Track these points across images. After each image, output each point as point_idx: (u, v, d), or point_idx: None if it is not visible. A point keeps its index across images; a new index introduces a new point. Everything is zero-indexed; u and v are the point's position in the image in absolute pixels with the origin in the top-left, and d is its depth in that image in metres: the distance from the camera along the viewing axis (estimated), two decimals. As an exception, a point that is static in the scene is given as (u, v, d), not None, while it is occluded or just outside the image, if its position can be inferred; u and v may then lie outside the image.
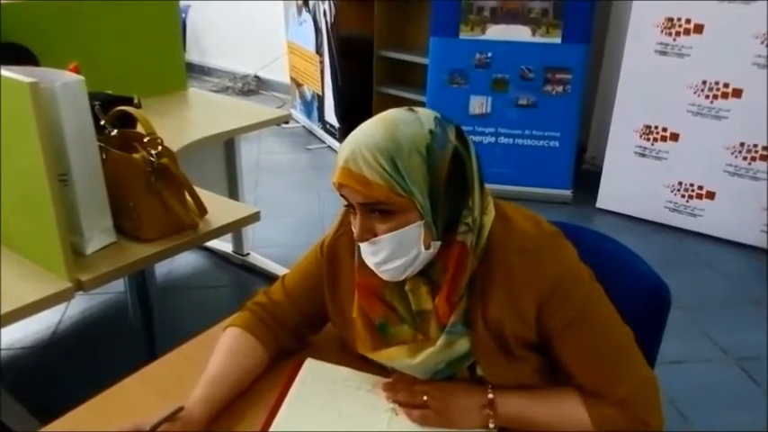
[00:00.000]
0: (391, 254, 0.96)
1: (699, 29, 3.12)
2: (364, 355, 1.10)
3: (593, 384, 0.98)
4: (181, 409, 0.96)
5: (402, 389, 1.04)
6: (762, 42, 2.99)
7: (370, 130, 0.94)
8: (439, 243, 0.97)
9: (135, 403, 1.06)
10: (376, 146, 0.91)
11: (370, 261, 0.99)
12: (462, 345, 0.99)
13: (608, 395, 0.97)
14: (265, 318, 1.14)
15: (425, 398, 1.00)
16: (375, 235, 0.96)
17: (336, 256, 1.12)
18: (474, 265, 0.97)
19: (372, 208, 0.94)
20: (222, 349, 1.09)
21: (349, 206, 0.98)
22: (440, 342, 0.98)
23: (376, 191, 0.91)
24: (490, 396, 0.99)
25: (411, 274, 0.99)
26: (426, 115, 0.96)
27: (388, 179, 0.90)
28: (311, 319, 1.17)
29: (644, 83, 3.34)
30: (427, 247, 0.96)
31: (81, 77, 1.43)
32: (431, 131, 0.93)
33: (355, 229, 0.97)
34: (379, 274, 1.00)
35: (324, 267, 1.12)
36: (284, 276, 1.19)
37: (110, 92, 1.78)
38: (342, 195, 0.97)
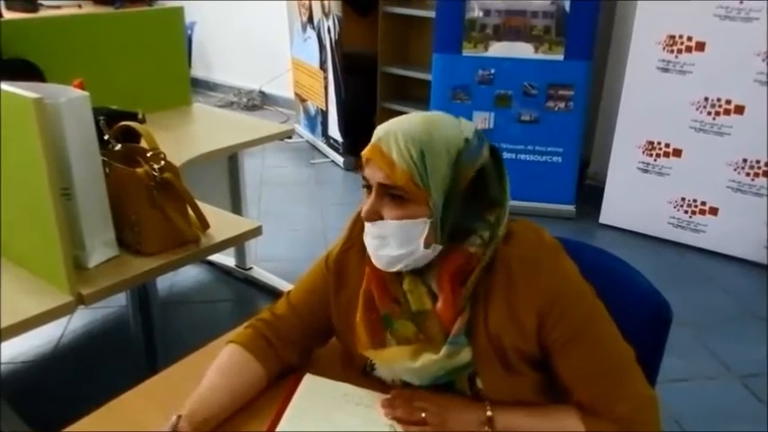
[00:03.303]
0: (391, 241, 0.97)
1: (700, 46, 3.14)
2: (364, 373, 1.11)
3: (591, 401, 0.98)
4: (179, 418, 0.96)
5: (400, 405, 1.03)
6: (763, 60, 3.00)
7: (411, 119, 0.98)
8: (440, 247, 0.98)
9: (135, 417, 1.05)
10: (410, 134, 0.94)
11: (370, 244, 1.01)
12: (465, 356, 0.99)
13: (606, 413, 0.96)
14: (268, 334, 1.13)
15: (424, 414, 1.00)
16: (381, 218, 0.97)
17: (344, 268, 1.12)
18: (480, 275, 0.97)
19: (388, 191, 0.96)
20: (215, 366, 1.09)
21: (366, 187, 1.00)
22: (442, 352, 0.98)
23: (397, 175, 0.93)
24: (489, 413, 0.99)
25: (404, 269, 1.00)
26: (468, 125, 0.99)
27: (411, 167, 0.93)
28: (316, 332, 1.16)
29: (646, 99, 3.35)
30: (426, 247, 0.96)
31: (85, 93, 1.45)
32: (467, 140, 0.96)
33: (365, 208, 0.98)
34: (374, 260, 1.01)
35: (330, 280, 1.13)
36: (289, 291, 1.20)
37: (114, 107, 1.79)
38: (363, 177, 0.99)
